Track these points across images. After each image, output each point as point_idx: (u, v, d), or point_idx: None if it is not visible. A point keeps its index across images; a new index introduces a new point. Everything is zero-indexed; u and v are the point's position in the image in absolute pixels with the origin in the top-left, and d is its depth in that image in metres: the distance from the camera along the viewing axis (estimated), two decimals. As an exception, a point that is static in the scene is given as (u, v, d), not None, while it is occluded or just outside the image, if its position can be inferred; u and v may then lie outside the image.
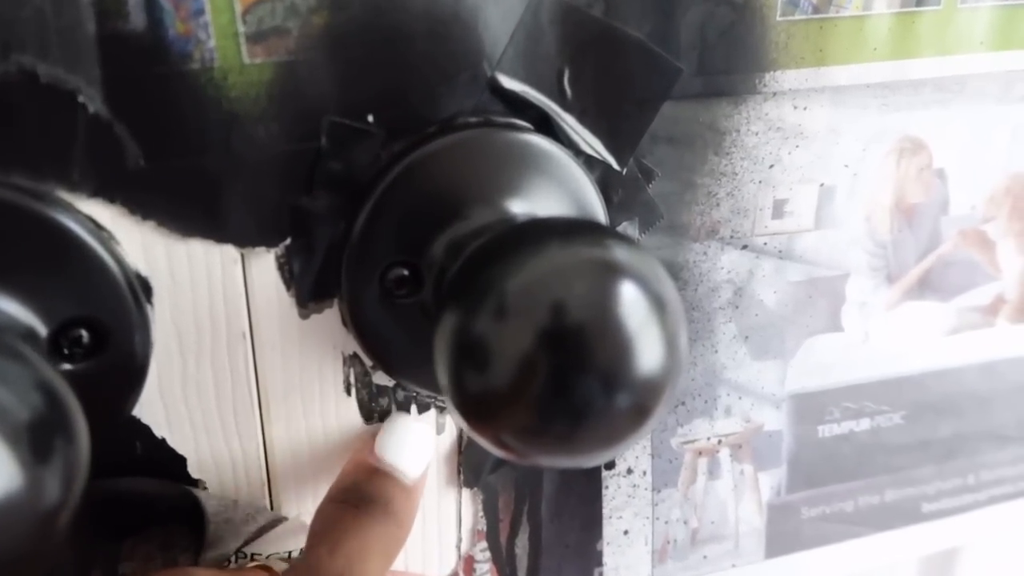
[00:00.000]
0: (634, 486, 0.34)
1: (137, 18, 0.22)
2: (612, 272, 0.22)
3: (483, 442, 0.23)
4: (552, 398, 0.21)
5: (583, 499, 0.33)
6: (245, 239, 0.25)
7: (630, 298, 0.22)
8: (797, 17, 0.29)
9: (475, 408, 0.22)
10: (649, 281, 0.22)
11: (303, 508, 0.29)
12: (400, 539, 0.25)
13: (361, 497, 0.25)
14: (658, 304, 0.22)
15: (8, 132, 0.21)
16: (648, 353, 0.21)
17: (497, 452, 0.22)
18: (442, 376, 0.23)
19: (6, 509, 0.17)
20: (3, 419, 0.17)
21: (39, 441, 0.17)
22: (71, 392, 0.18)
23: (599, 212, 0.29)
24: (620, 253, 0.22)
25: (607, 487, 0.34)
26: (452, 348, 0.22)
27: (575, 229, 0.23)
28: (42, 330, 0.22)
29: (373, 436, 0.28)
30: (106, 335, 0.23)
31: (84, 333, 0.23)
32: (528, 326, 0.21)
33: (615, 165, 0.29)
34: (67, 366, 0.23)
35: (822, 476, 0.37)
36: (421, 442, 0.27)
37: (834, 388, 0.36)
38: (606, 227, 0.23)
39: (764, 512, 0.36)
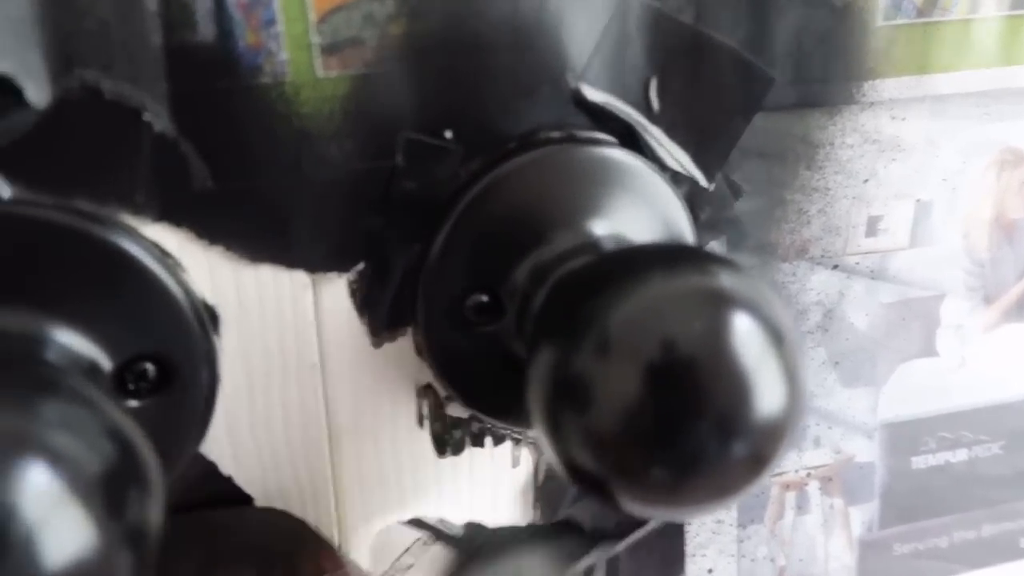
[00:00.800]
0: (719, 522, 0.32)
1: (206, 29, 0.20)
2: (723, 303, 0.20)
3: (582, 489, 0.21)
4: (659, 444, 0.19)
5: (664, 535, 0.31)
6: (316, 264, 0.23)
7: (745, 331, 0.19)
8: (900, 21, 0.27)
9: (573, 452, 0.20)
10: (763, 311, 0.20)
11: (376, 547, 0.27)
12: None
13: None
14: (775, 336, 0.20)
15: (70, 153, 0.20)
16: (767, 393, 0.19)
17: (596, 501, 0.21)
18: (536, 415, 0.21)
19: (79, 571, 0.15)
20: (74, 474, 0.15)
21: (113, 496, 0.16)
22: (143, 436, 0.17)
23: (687, 231, 0.27)
24: (730, 281, 0.20)
25: (690, 523, 0.31)
26: (549, 386, 0.20)
27: (678, 256, 0.21)
28: (106, 364, 0.20)
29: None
30: (173, 369, 0.22)
31: (150, 367, 0.21)
32: (634, 364, 0.19)
33: (702, 181, 0.27)
34: (132, 403, 0.21)
35: (916, 510, 0.34)
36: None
37: (929, 417, 0.34)
38: (711, 253, 0.21)
39: (855, 549, 0.34)
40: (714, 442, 0.19)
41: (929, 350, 0.33)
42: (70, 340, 0.20)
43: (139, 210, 0.21)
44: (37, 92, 0.19)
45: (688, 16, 0.25)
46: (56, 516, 0.15)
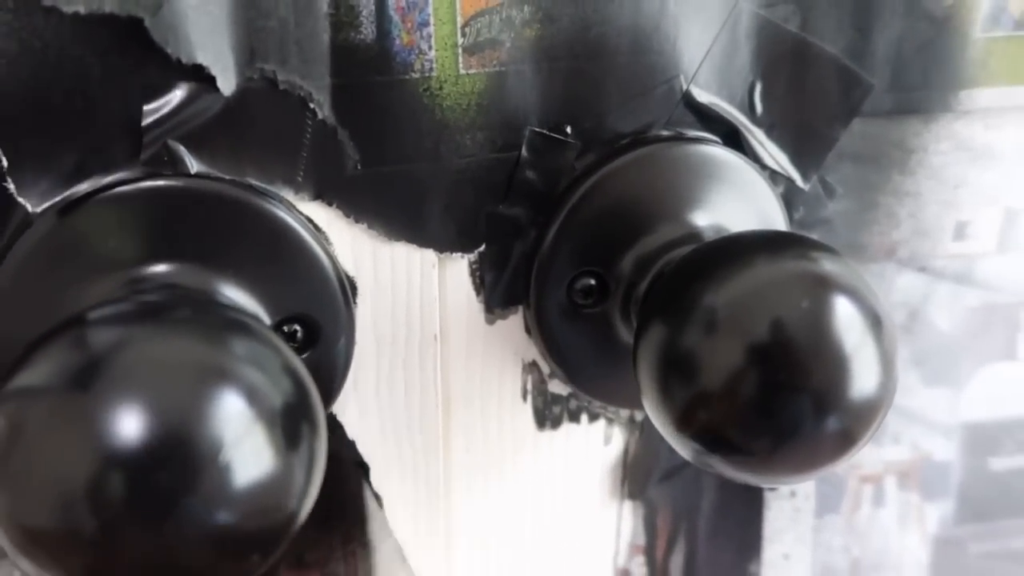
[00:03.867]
0: (796, 510, 0.33)
1: (368, 29, 0.23)
2: (826, 286, 0.22)
3: (684, 452, 0.22)
4: (759, 416, 0.21)
5: (743, 520, 0.33)
6: (444, 244, 0.26)
7: (845, 313, 0.21)
8: (997, 33, 0.28)
9: (680, 420, 0.22)
10: (864, 296, 0.22)
11: (476, 511, 0.30)
12: None
13: None
14: (875, 321, 0.21)
15: (246, 135, 0.23)
16: (864, 375, 0.21)
17: (696, 463, 0.22)
18: (646, 387, 0.23)
19: (260, 493, 0.17)
20: (260, 403, 0.17)
21: (290, 427, 0.18)
22: (312, 380, 0.19)
23: (783, 227, 0.28)
24: (831, 266, 0.22)
25: (768, 509, 0.33)
26: (659, 360, 0.22)
27: (781, 242, 0.23)
28: (266, 322, 0.23)
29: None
30: (318, 331, 0.24)
31: (299, 328, 0.24)
32: (739, 340, 0.21)
33: (799, 181, 0.29)
34: (284, 359, 0.24)
35: (992, 511, 0.35)
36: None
37: (1009, 419, 0.34)
38: (812, 239, 0.23)
39: (929, 545, 0.35)
40: (810, 416, 0.21)
41: (1011, 354, 0.34)
42: (237, 297, 0.22)
43: (298, 188, 0.23)
44: (225, 81, 0.22)
45: (794, 24, 0.27)
46: (247, 438, 0.17)
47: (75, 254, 0.21)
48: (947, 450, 0.34)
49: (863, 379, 0.21)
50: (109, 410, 0.16)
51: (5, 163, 0.21)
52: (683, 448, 0.22)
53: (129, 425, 0.16)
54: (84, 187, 0.21)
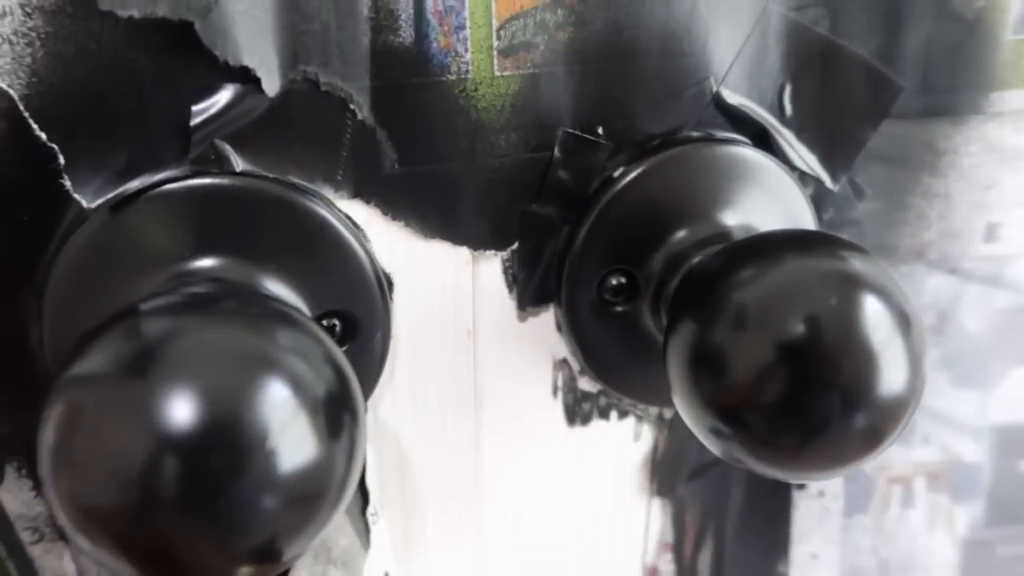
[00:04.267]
0: (825, 509, 0.33)
1: (406, 32, 0.23)
2: (855, 284, 0.22)
3: (712, 447, 0.23)
4: (787, 411, 0.21)
5: (771, 519, 0.33)
6: (478, 242, 0.26)
7: (875, 312, 0.21)
8: (1029, 35, 0.29)
9: (709, 414, 0.22)
10: (893, 294, 0.22)
11: (506, 505, 0.30)
12: None
13: None
14: (903, 319, 0.22)
15: (289, 134, 0.23)
16: (892, 372, 0.21)
17: (725, 458, 0.23)
18: (676, 381, 0.23)
19: (304, 477, 0.18)
20: (305, 391, 0.18)
21: (332, 416, 0.18)
22: (352, 371, 0.20)
23: (812, 228, 0.29)
24: (860, 264, 0.22)
25: (797, 508, 0.33)
26: (689, 355, 0.22)
27: (810, 241, 0.24)
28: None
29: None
30: (355, 326, 0.25)
31: (337, 323, 0.24)
32: (769, 337, 0.21)
33: (828, 183, 0.29)
34: (323, 353, 0.24)
35: (1022, 513, 0.35)
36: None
37: (1040, 422, 0.34)
38: (842, 239, 0.23)
39: (958, 547, 0.35)
40: (838, 412, 0.21)
41: (1043, 357, 0.34)
42: (279, 291, 0.23)
43: (338, 186, 0.24)
44: (270, 83, 0.22)
45: (824, 27, 0.27)
46: (292, 426, 0.18)
47: (126, 248, 0.22)
48: (977, 452, 0.34)
49: (891, 376, 0.21)
50: (162, 396, 0.17)
51: (62, 161, 0.22)
52: (712, 443, 0.23)
53: (181, 411, 0.17)
54: (135, 184, 0.22)
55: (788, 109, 0.28)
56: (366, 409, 0.27)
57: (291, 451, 0.18)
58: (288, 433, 0.18)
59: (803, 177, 0.28)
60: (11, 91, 0.21)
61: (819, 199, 0.29)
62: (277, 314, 0.19)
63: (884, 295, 0.22)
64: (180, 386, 0.17)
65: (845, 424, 0.21)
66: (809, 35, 0.27)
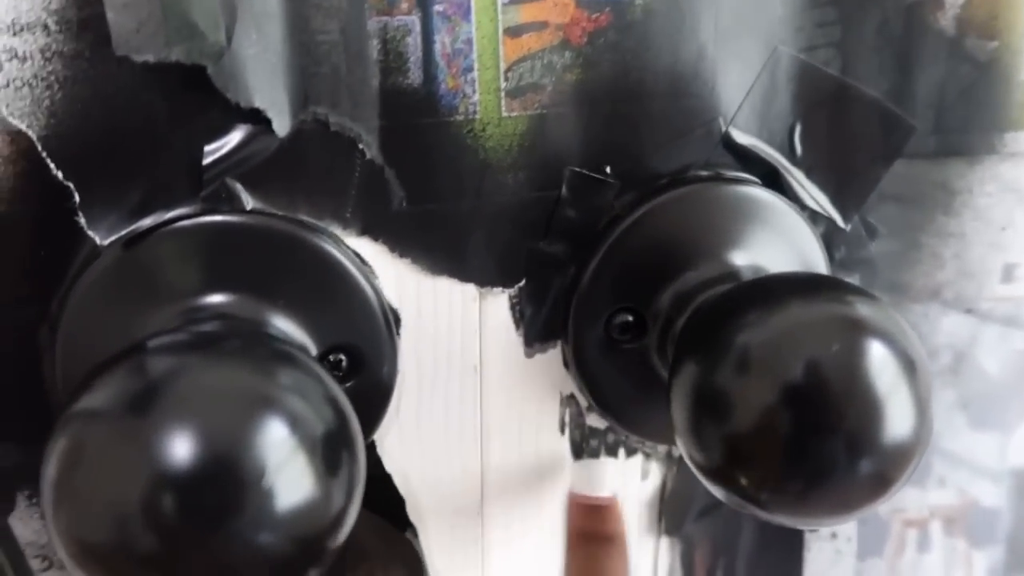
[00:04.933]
0: (838, 551, 0.33)
1: (415, 74, 0.24)
2: (860, 329, 0.22)
3: (716, 492, 0.23)
4: (791, 456, 0.21)
5: (783, 560, 0.33)
6: (485, 279, 0.26)
7: (880, 357, 0.21)
8: (1044, 76, 0.28)
9: (711, 456, 0.22)
10: (898, 339, 0.22)
11: (512, 541, 0.30)
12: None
13: (600, 535, 0.26)
14: (908, 365, 0.21)
15: (298, 173, 0.24)
16: (898, 418, 0.21)
17: (729, 502, 0.23)
18: (680, 424, 0.23)
19: (301, 515, 0.18)
20: (303, 430, 0.18)
21: (330, 454, 0.19)
22: (353, 410, 0.20)
23: (822, 268, 0.29)
24: (866, 310, 0.22)
25: (808, 549, 0.33)
26: (692, 397, 0.22)
27: (817, 285, 0.23)
28: (312, 351, 0.24)
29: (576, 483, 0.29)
30: (361, 361, 0.25)
31: (343, 358, 0.25)
32: (772, 381, 0.21)
33: (840, 222, 0.29)
34: (329, 387, 0.25)
35: (1044, 561, 0.34)
36: (608, 473, 0.28)
37: (1061, 467, 0.34)
38: (848, 283, 0.23)
39: (977, 594, 0.34)
40: (843, 458, 0.21)
41: (1064, 400, 0.33)
42: (286, 327, 0.23)
43: (347, 224, 0.25)
44: (281, 123, 0.23)
45: (835, 68, 0.27)
46: (289, 465, 0.18)
47: (138, 283, 0.23)
48: (996, 496, 0.33)
49: (897, 422, 0.21)
50: (162, 434, 0.17)
51: (77, 199, 0.22)
52: (715, 488, 0.22)
53: (180, 449, 0.17)
54: (147, 222, 0.23)
55: (799, 149, 0.28)
56: (370, 445, 0.27)
57: (288, 489, 0.18)
58: (285, 471, 0.18)
59: (814, 216, 0.28)
60: (30, 132, 0.22)
61: (831, 238, 0.29)
62: (279, 354, 0.20)
63: (889, 340, 0.21)
64: (180, 424, 0.17)
65: (850, 470, 0.21)
66: (819, 76, 0.27)
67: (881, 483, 0.22)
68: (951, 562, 0.34)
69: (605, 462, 0.26)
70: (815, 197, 0.28)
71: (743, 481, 0.22)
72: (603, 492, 0.26)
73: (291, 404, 0.18)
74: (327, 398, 0.19)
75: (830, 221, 0.29)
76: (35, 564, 0.25)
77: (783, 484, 0.22)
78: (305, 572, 0.19)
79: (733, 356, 0.22)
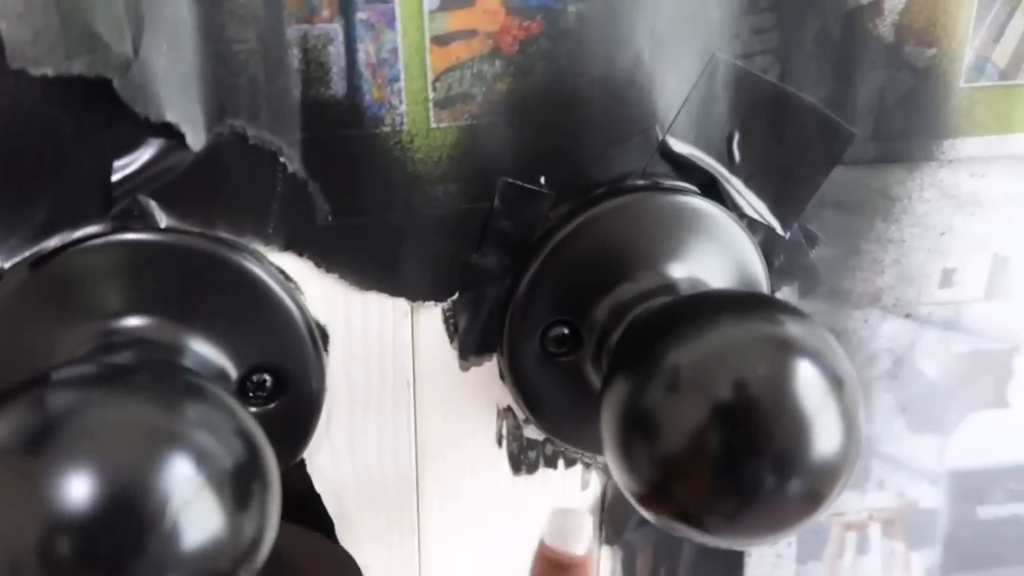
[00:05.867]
0: (778, 556, 0.33)
1: (338, 85, 0.23)
2: (788, 349, 0.21)
3: (646, 513, 0.22)
4: (721, 476, 0.21)
5: (723, 566, 0.33)
6: (417, 293, 0.26)
7: (807, 377, 0.21)
8: (982, 84, 0.28)
9: (640, 478, 0.22)
10: (826, 358, 0.21)
11: (451, 558, 0.30)
12: None
13: None
14: (835, 383, 0.21)
15: (216, 189, 0.23)
16: (825, 436, 0.21)
17: (660, 525, 0.22)
18: (608, 442, 0.23)
19: (208, 553, 0.17)
20: (210, 466, 0.18)
21: (240, 487, 0.18)
22: (266, 439, 0.19)
23: (761, 276, 0.28)
24: (795, 329, 0.22)
25: (749, 555, 0.33)
26: (621, 416, 0.22)
27: (747, 303, 0.23)
28: (232, 373, 0.23)
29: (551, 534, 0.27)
30: (287, 379, 0.24)
31: (268, 378, 0.24)
32: (701, 401, 0.21)
33: (779, 229, 0.28)
34: (252, 409, 0.24)
35: (980, 559, 0.35)
36: (586, 524, 0.27)
37: (998, 467, 0.34)
38: (778, 301, 0.23)
39: (915, 594, 0.34)
40: (772, 478, 0.21)
41: (1001, 401, 0.33)
42: (205, 350, 0.23)
43: (269, 240, 0.24)
44: (195, 137, 0.22)
45: (773, 74, 0.27)
46: (195, 501, 0.17)
47: (46, 307, 0.22)
48: (933, 498, 0.34)
49: (825, 441, 0.21)
50: (59, 474, 0.16)
51: (-26, 220, 0.21)
52: (644, 509, 0.22)
53: (77, 489, 0.16)
54: (53, 242, 0.22)
55: (737, 156, 0.27)
56: (300, 465, 0.26)
57: (193, 527, 0.17)
58: (191, 508, 0.17)
59: (752, 224, 0.28)
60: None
61: (770, 246, 0.29)
62: (188, 386, 0.19)
63: (817, 359, 0.21)
64: (77, 463, 0.17)
65: (780, 490, 0.21)
66: (758, 83, 0.27)
67: (812, 501, 0.21)
68: (890, 564, 0.34)
69: (585, 514, 0.25)
70: (754, 205, 0.28)
71: (670, 502, 0.22)
72: (579, 548, 0.25)
73: (197, 439, 0.18)
74: (237, 431, 0.19)
75: (769, 229, 0.28)
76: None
77: (714, 505, 0.21)
78: None
79: (662, 375, 0.21)
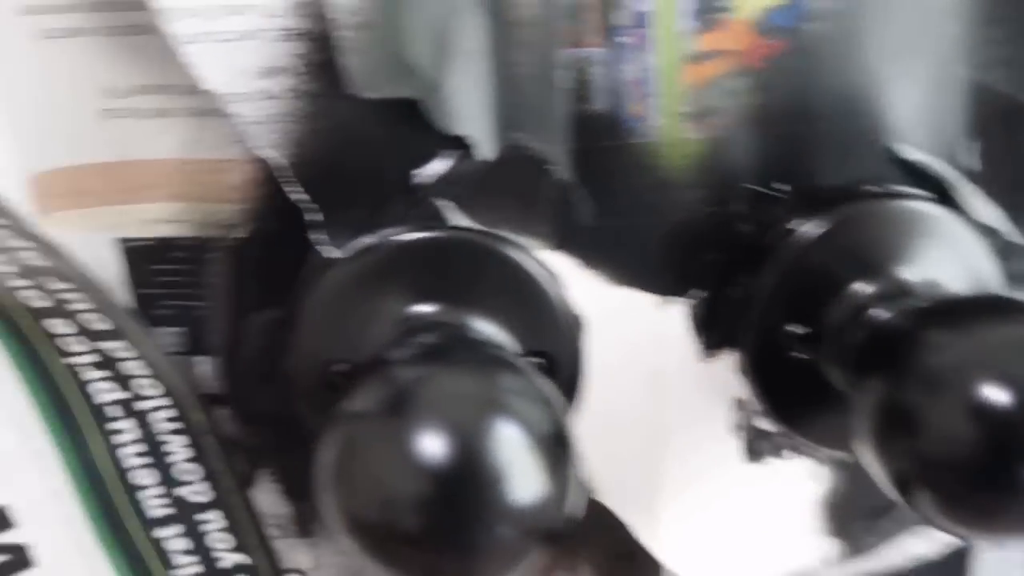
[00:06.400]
0: (1003, 561, 0.33)
1: (601, 101, 0.26)
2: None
3: (906, 503, 0.23)
4: (981, 475, 0.22)
5: (951, 569, 0.33)
6: (665, 289, 0.28)
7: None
8: None
9: (901, 473, 0.23)
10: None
11: (686, 539, 0.31)
12: None
13: None
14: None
15: (499, 193, 0.26)
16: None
17: (919, 516, 0.23)
18: (864, 438, 0.24)
19: (537, 507, 0.20)
20: (529, 431, 0.20)
21: (554, 453, 0.20)
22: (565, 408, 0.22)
23: (995, 283, 0.29)
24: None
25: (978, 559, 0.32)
26: (879, 415, 0.23)
27: (1005, 307, 0.24)
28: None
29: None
30: (555, 365, 0.27)
31: (542, 362, 0.27)
32: (963, 401, 0.22)
33: (1014, 236, 0.29)
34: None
35: None
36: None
37: None
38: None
39: None
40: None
41: None
42: (492, 333, 0.26)
43: (541, 239, 0.27)
44: (484, 149, 0.25)
45: (1007, 86, 0.27)
46: (519, 462, 0.20)
47: (359, 295, 0.26)
48: None
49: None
50: (416, 432, 0.20)
51: (310, 218, 0.25)
52: (903, 499, 0.23)
53: (432, 445, 0.19)
54: (368, 239, 0.26)
55: (970, 165, 0.28)
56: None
57: (518, 485, 0.20)
58: (516, 469, 0.20)
59: (987, 231, 0.29)
60: (281, 161, 0.25)
61: (1006, 253, 0.29)
62: (497, 359, 0.22)
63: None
64: (430, 424, 0.20)
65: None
66: (993, 93, 0.28)
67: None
68: None
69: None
70: (988, 212, 0.29)
71: (929, 495, 0.22)
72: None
73: (515, 405, 0.21)
74: (543, 399, 0.21)
75: (1003, 235, 0.29)
76: (272, 532, 0.29)
77: (969, 501, 0.22)
78: (534, 556, 0.20)
79: (926, 373, 0.23)
